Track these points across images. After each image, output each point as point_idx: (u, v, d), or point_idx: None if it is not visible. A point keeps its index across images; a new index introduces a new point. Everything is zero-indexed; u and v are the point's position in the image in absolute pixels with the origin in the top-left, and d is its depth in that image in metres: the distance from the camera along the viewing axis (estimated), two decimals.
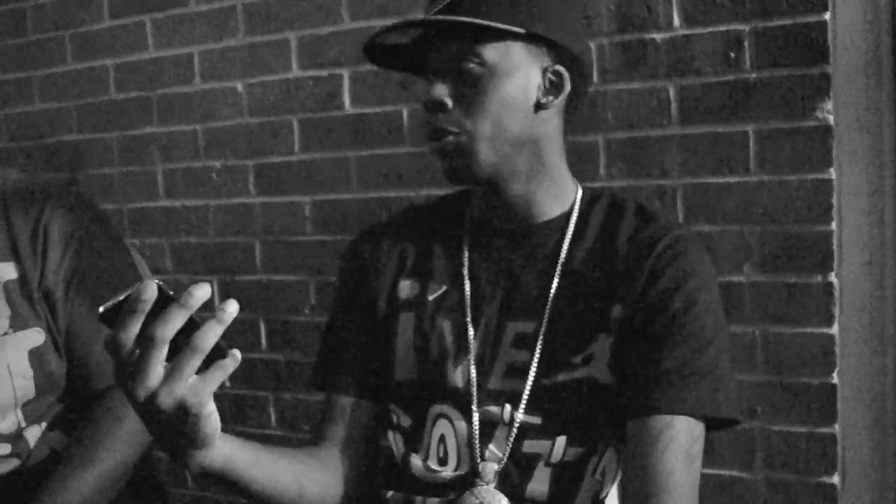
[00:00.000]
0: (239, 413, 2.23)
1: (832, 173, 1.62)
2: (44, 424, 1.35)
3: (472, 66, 1.06)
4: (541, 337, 1.10)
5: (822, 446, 1.65)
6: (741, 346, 1.69)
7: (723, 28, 1.67)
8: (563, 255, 1.14)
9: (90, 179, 2.38)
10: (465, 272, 1.17)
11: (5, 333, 1.29)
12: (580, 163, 1.77)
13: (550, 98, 1.10)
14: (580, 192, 1.18)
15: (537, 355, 1.10)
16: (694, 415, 1.03)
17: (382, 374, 1.19)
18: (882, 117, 1.62)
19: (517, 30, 1.05)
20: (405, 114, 1.98)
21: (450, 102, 1.06)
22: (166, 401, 0.78)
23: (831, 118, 1.61)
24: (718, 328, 1.08)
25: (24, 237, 1.32)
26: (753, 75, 1.66)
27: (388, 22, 1.08)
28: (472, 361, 1.12)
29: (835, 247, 1.63)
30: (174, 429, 0.82)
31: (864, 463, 1.65)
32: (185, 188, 2.27)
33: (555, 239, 1.15)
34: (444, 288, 1.17)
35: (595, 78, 1.76)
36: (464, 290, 1.16)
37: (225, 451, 0.92)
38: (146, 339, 0.77)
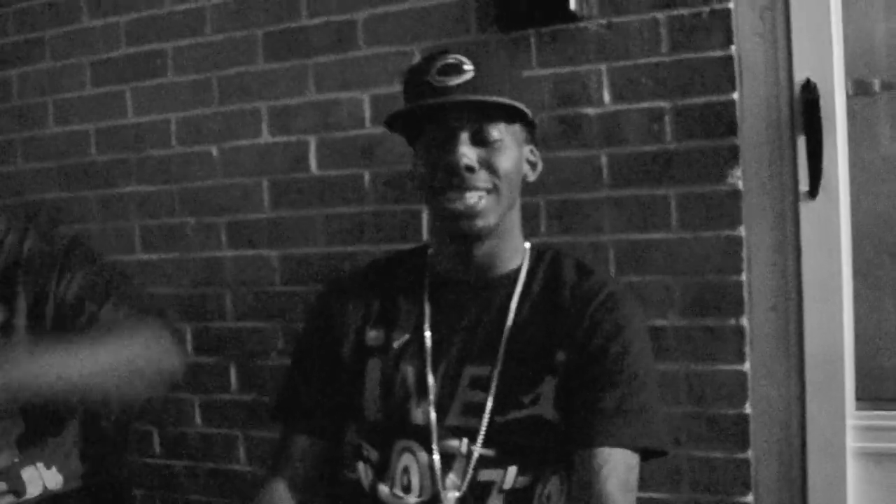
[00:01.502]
0: (208, 451, 2.20)
1: (742, 231, 1.68)
2: (40, 465, 1.35)
3: (493, 138, 1.12)
4: (495, 379, 1.15)
5: (737, 469, 1.69)
6: (667, 382, 1.71)
7: (647, 105, 1.73)
8: (513, 305, 1.19)
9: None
10: (426, 322, 1.21)
11: None
12: (524, 221, 1.79)
13: (532, 173, 1.21)
14: (528, 250, 1.24)
15: (492, 395, 1.15)
16: (631, 447, 1.08)
17: (353, 415, 1.22)
18: (784, 182, 1.70)
19: (530, 116, 1.13)
20: (366, 176, 1.99)
21: (478, 167, 1.11)
22: None
23: (740, 183, 1.67)
24: (649, 371, 1.14)
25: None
26: (673, 146, 1.72)
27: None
28: (433, 402, 1.16)
29: (745, 294, 1.68)
30: None
31: (773, 483, 1.71)
32: (161, 243, 2.23)
33: (507, 291, 1.20)
34: (407, 336, 1.22)
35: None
36: (424, 338, 1.20)
37: None
38: None
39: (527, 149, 1.21)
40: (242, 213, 2.15)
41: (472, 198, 1.11)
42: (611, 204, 1.78)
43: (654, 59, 1.74)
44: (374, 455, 1.21)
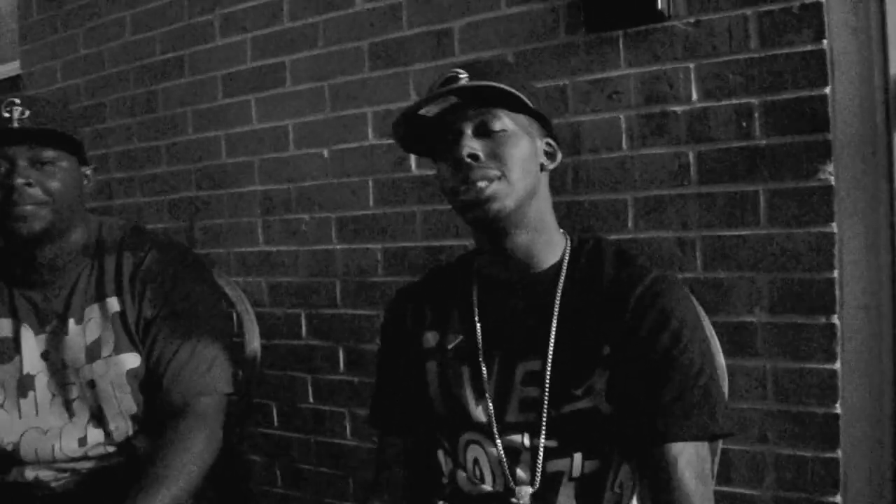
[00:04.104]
0: (319, 425, 2.21)
1: (833, 227, 1.53)
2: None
3: (496, 129, 1.05)
4: (547, 374, 1.07)
5: (825, 468, 1.55)
6: (753, 379, 1.60)
7: (735, 101, 1.60)
8: (557, 300, 1.10)
9: (205, 228, 2.41)
10: (477, 322, 1.14)
11: (110, 355, 1.33)
12: (611, 217, 1.73)
13: (549, 162, 1.12)
14: (568, 243, 1.15)
15: (547, 390, 1.06)
16: (700, 438, 0.99)
17: (425, 410, 1.17)
18: (877, 177, 1.54)
19: (531, 105, 1.06)
20: None
21: (482, 155, 1.04)
22: None
23: (832, 179, 1.53)
24: (704, 356, 1.03)
25: (128, 276, 1.36)
26: (763, 142, 1.58)
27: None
28: (490, 399, 1.10)
29: (836, 292, 1.53)
30: None
31: (863, 484, 1.56)
32: (280, 236, 2.26)
33: (550, 286, 1.11)
34: (461, 337, 1.15)
35: (625, 144, 1.71)
36: (476, 337, 1.13)
37: None
38: None
39: (542, 141, 1.13)
40: (350, 209, 2.15)
41: (480, 185, 1.03)
42: (698, 200, 1.66)
43: (742, 56, 1.60)
44: (447, 446, 1.17)
